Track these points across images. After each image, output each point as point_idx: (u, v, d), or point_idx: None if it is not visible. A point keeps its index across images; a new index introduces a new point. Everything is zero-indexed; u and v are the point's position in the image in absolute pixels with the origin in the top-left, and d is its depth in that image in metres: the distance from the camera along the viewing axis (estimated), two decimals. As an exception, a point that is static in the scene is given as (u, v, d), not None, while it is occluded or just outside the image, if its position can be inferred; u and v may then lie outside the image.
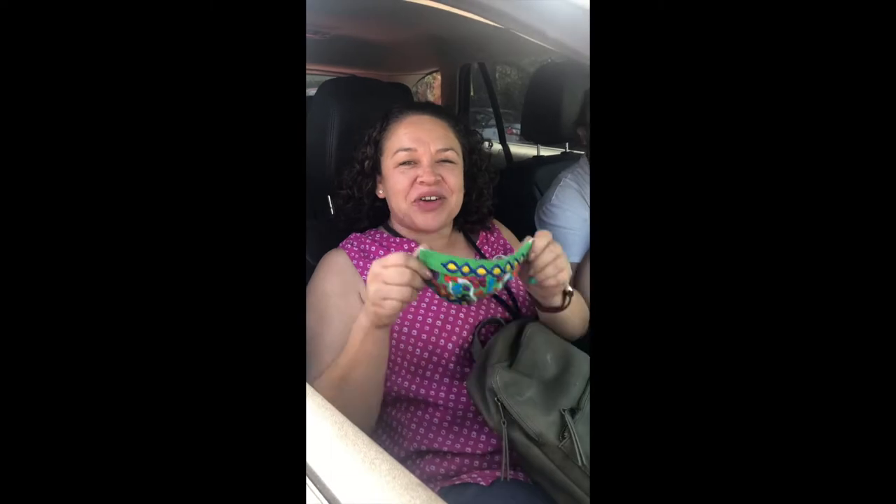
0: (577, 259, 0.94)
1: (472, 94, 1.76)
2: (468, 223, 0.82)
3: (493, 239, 0.84)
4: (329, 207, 0.94)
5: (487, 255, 0.81)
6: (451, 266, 0.58)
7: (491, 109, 1.80)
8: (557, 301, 0.68)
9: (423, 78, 1.88)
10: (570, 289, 0.68)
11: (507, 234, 0.87)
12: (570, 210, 0.99)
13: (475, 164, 0.79)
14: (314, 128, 0.86)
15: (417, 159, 0.72)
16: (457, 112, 1.66)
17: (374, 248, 0.75)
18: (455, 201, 0.74)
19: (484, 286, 0.59)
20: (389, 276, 0.54)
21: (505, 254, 0.81)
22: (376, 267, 0.55)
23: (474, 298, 0.60)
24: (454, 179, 0.73)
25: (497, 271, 0.59)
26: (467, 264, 0.58)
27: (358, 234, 0.77)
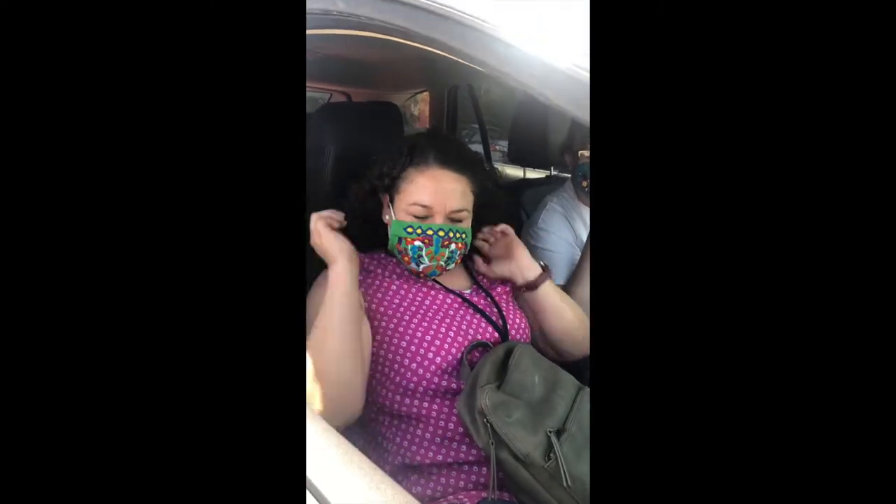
0: (561, 281, 0.98)
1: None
2: (469, 257, 0.86)
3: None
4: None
5: (483, 283, 0.85)
6: (409, 229, 0.75)
7: (476, 125, 1.85)
8: (531, 273, 0.78)
9: (412, 97, 1.91)
10: (542, 263, 0.75)
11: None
12: (556, 234, 1.03)
13: (485, 205, 0.83)
14: (311, 150, 0.89)
15: (431, 215, 0.76)
16: (444, 129, 1.70)
17: (372, 265, 0.78)
18: (458, 252, 0.78)
19: (431, 245, 0.75)
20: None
21: (502, 286, 0.85)
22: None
23: (427, 260, 0.75)
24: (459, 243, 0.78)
25: (441, 233, 0.75)
26: (420, 227, 0.75)
27: (362, 255, 0.79)
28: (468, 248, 0.80)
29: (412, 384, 0.72)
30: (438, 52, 0.49)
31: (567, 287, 0.95)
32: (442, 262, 0.77)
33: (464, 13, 0.45)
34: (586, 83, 0.38)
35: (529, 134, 1.22)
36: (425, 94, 1.86)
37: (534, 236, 1.04)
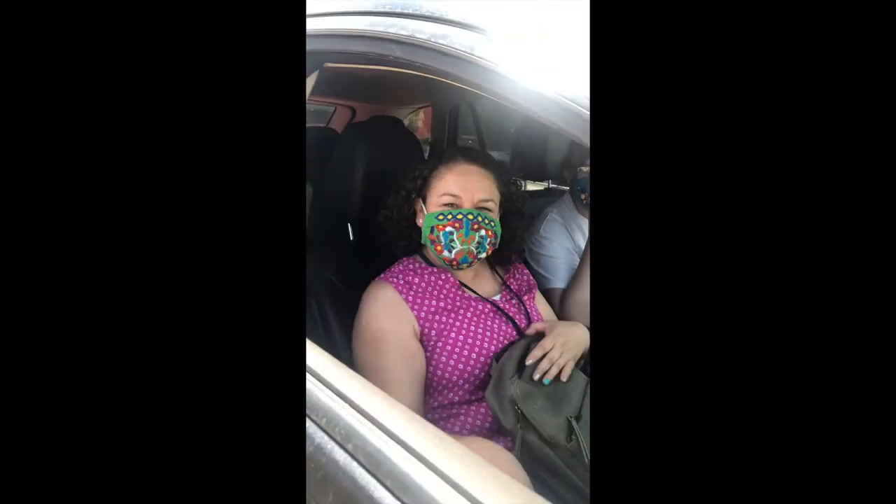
0: (562, 285, 1.04)
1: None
2: (496, 260, 0.92)
3: (518, 274, 0.93)
4: (349, 234, 1.03)
5: (513, 286, 0.91)
6: (440, 216, 0.81)
7: (475, 138, 1.92)
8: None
9: (415, 111, 1.98)
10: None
11: (529, 276, 0.97)
12: (556, 241, 1.09)
13: (509, 210, 0.89)
14: (342, 162, 0.97)
15: (460, 205, 0.81)
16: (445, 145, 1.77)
17: (415, 280, 0.83)
18: (487, 239, 0.84)
19: (462, 229, 0.80)
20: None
21: (529, 289, 0.92)
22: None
23: (458, 244, 0.80)
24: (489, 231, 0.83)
25: (471, 217, 0.80)
26: (451, 213, 0.80)
27: (399, 267, 0.85)
28: (498, 238, 0.84)
29: (451, 384, 0.79)
30: (451, 82, 0.55)
31: (567, 290, 1.02)
32: (472, 248, 0.80)
33: (475, 55, 0.51)
34: (585, 116, 0.44)
35: (530, 150, 1.29)
36: (427, 109, 1.93)
37: (536, 244, 1.11)
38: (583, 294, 0.97)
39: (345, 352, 0.83)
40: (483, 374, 0.79)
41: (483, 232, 0.80)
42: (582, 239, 1.12)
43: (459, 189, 0.81)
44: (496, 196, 0.85)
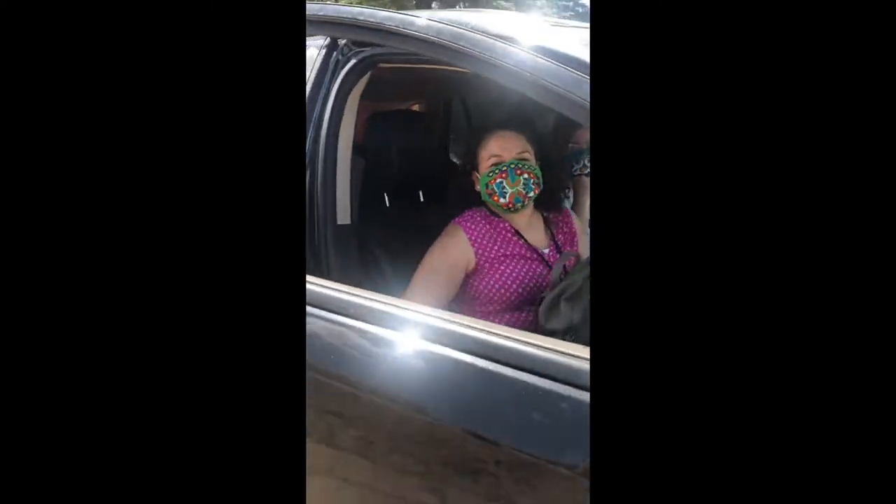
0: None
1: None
2: (545, 206, 1.14)
3: (564, 226, 1.16)
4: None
5: (557, 236, 1.12)
6: (490, 173, 1.02)
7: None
8: None
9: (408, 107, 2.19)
10: None
11: (577, 224, 1.18)
12: None
13: (545, 158, 1.10)
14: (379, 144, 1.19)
15: (504, 160, 1.03)
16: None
17: (480, 224, 1.06)
18: (531, 181, 1.05)
19: (508, 176, 1.01)
20: None
21: (571, 238, 1.15)
22: None
23: (508, 188, 1.01)
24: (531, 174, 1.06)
25: (513, 165, 1.00)
26: (497, 167, 1.01)
27: (468, 213, 1.08)
28: (540, 181, 1.04)
29: (493, 308, 1.02)
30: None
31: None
32: (521, 188, 1.01)
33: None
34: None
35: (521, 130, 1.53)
36: (417, 106, 2.14)
37: None
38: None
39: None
40: (518, 299, 1.00)
41: (526, 175, 1.02)
42: (570, 201, 1.36)
43: (500, 149, 1.04)
44: (530, 148, 1.06)
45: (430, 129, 1.38)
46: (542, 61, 0.68)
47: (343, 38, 0.91)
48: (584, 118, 0.63)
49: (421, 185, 1.35)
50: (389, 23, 0.84)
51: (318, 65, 0.95)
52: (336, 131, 0.95)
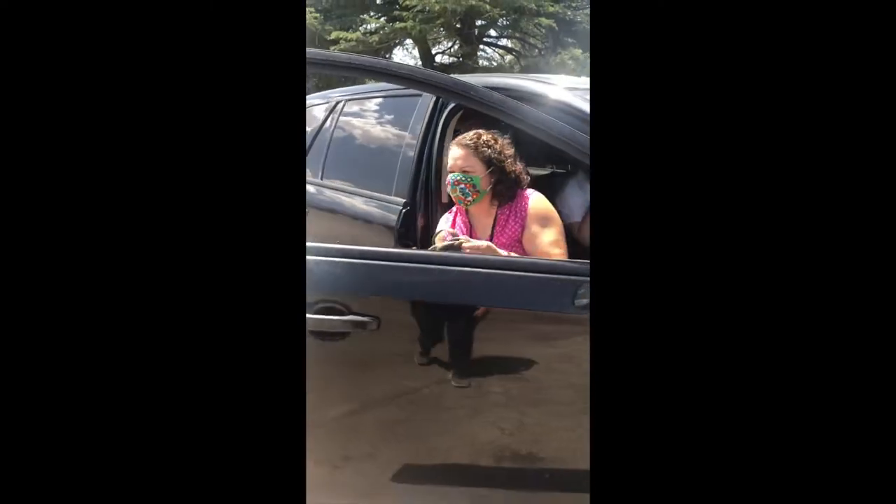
0: (578, 219, 1.89)
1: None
2: (495, 196, 1.36)
3: (514, 211, 1.33)
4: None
5: (499, 222, 1.33)
6: (447, 181, 1.33)
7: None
8: None
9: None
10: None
11: (534, 204, 1.32)
12: (574, 197, 1.92)
13: (493, 166, 1.32)
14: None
15: (452, 171, 1.33)
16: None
17: (458, 217, 1.42)
18: (467, 190, 1.31)
19: (450, 184, 1.31)
20: None
21: (517, 224, 1.33)
22: None
23: (451, 193, 1.33)
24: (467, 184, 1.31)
25: (454, 178, 1.29)
26: (449, 177, 1.32)
27: (457, 206, 1.41)
28: (475, 187, 1.28)
29: None
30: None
31: (580, 223, 1.84)
32: (459, 193, 1.29)
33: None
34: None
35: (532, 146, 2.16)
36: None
37: (560, 201, 1.93)
38: (587, 225, 1.83)
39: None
40: None
41: (462, 185, 1.30)
42: (589, 197, 1.97)
43: (450, 163, 1.34)
44: (475, 164, 1.30)
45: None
46: (539, 112, 0.99)
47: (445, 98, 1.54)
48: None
49: None
50: (455, 87, 1.14)
51: (430, 108, 1.59)
52: (441, 145, 1.57)
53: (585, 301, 0.85)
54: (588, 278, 0.77)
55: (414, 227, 1.57)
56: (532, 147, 2.20)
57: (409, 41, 9.44)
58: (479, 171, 1.32)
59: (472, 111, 1.58)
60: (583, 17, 8.71)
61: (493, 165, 1.33)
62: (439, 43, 10.13)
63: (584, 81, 1.45)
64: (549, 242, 1.29)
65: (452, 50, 11.13)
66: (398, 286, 0.94)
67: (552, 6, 8.18)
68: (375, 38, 8.77)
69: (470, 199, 1.32)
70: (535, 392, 0.94)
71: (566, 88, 1.29)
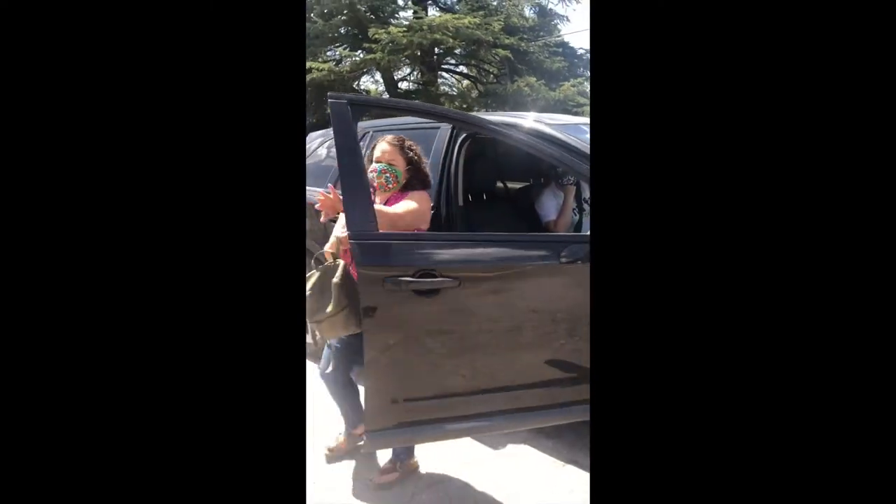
0: (553, 217, 2.51)
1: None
2: (409, 190, 1.67)
3: (406, 197, 1.63)
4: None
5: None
6: (371, 170, 1.62)
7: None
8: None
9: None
10: None
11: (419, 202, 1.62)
12: (549, 200, 2.55)
13: (410, 162, 1.67)
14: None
15: (379, 161, 1.64)
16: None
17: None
18: (388, 177, 1.64)
19: (375, 172, 1.62)
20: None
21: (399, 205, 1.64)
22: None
23: (375, 181, 1.62)
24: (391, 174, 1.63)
25: (378, 167, 1.62)
26: (374, 165, 1.63)
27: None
28: (397, 178, 1.62)
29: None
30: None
31: (555, 220, 2.49)
32: (384, 180, 1.61)
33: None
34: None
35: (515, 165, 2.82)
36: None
37: (538, 204, 2.56)
38: (562, 221, 2.45)
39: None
40: None
41: (388, 175, 1.61)
42: (560, 201, 2.59)
43: (378, 155, 1.64)
44: (396, 156, 1.63)
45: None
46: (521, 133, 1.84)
47: (459, 127, 2.16)
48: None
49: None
50: (473, 120, 2.03)
51: (447, 136, 2.20)
52: (458, 163, 2.18)
53: (566, 259, 1.49)
54: (568, 243, 1.48)
55: (438, 221, 2.15)
56: (517, 165, 2.86)
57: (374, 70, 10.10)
58: (401, 166, 1.66)
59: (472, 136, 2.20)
60: (535, 48, 9.60)
61: (412, 165, 1.68)
62: (400, 69, 10.83)
63: (545, 116, 2.12)
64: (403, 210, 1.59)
65: (413, 77, 11.88)
66: (469, 256, 1.53)
67: (507, 38, 9.00)
68: (346, 67, 9.39)
69: (390, 186, 1.65)
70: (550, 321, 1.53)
71: (534, 119, 2.00)
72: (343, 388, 1.78)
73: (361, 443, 1.75)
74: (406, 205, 1.60)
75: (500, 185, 3.05)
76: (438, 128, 2.27)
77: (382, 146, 1.67)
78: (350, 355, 1.68)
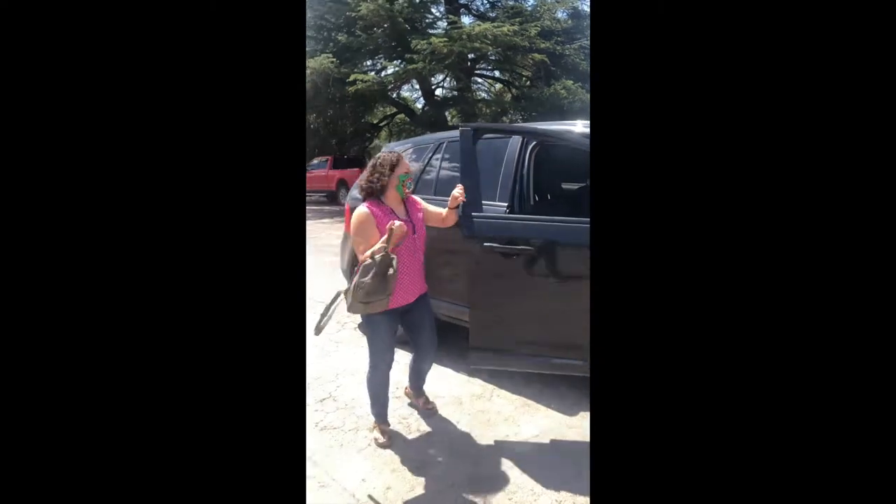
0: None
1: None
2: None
3: (413, 206, 2.11)
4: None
5: (408, 210, 2.07)
6: (402, 178, 2.05)
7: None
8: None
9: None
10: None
11: (421, 203, 2.14)
12: None
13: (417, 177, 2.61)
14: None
15: (405, 172, 2.04)
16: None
17: (377, 207, 2.02)
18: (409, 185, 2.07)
19: (399, 184, 2.03)
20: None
21: (418, 207, 2.14)
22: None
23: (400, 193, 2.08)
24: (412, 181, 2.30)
25: (403, 177, 2.03)
26: (401, 177, 2.04)
27: (370, 202, 2.02)
28: (412, 186, 2.53)
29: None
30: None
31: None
32: (409, 186, 2.03)
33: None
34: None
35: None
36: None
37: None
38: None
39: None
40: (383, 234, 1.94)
41: (411, 182, 2.06)
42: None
43: (406, 168, 2.03)
44: (413, 171, 2.43)
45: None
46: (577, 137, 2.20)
47: (528, 138, 2.49)
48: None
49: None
50: (539, 131, 2.43)
51: (519, 144, 2.53)
52: (529, 168, 2.51)
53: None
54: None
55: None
56: (577, 167, 3.18)
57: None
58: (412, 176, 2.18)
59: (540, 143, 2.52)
60: (570, 51, 9.78)
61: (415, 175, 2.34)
62: (435, 77, 11.19)
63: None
64: (433, 209, 2.14)
65: (447, 83, 12.19)
66: (539, 231, 2.08)
67: (543, 43, 9.23)
68: (390, 78, 9.79)
69: (411, 191, 2.14)
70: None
71: (583, 125, 2.44)
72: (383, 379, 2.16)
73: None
74: (428, 204, 2.19)
75: (563, 185, 3.39)
76: (510, 137, 2.58)
77: (406, 161, 2.12)
78: (394, 323, 2.11)
